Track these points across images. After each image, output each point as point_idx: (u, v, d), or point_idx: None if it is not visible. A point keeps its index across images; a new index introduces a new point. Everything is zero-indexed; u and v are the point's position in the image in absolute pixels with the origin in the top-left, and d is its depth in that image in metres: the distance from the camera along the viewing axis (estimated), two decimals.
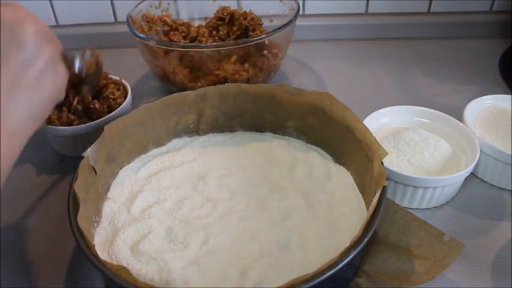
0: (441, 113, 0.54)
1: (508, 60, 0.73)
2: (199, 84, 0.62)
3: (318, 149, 0.52)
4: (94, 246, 0.36)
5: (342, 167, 0.49)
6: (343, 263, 0.34)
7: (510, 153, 0.47)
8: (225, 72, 0.62)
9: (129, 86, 0.58)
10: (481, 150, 0.49)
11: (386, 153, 0.41)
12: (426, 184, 0.46)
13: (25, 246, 0.46)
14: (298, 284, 0.32)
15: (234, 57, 0.61)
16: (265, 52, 0.63)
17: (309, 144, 0.53)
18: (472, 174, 0.52)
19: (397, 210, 0.42)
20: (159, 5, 0.72)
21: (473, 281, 0.41)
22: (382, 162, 0.41)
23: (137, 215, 0.44)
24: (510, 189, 0.50)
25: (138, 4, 0.68)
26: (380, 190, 0.38)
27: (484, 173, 0.51)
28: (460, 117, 0.53)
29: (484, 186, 0.51)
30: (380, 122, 0.54)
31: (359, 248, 0.35)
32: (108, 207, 0.45)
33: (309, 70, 0.75)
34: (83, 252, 0.36)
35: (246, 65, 0.63)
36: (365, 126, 0.44)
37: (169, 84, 0.66)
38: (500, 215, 0.48)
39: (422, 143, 0.49)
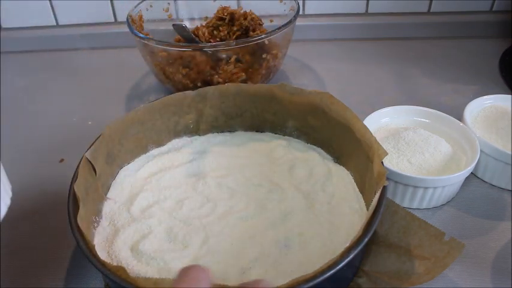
0: (441, 113, 0.54)
1: (508, 60, 0.73)
2: (199, 84, 0.62)
3: (318, 149, 0.52)
4: (94, 246, 0.36)
5: (341, 167, 0.49)
6: (343, 263, 0.33)
7: (510, 153, 0.47)
8: (225, 72, 0.62)
9: None
10: (481, 150, 0.49)
11: (387, 153, 0.41)
12: (426, 184, 0.46)
13: (25, 246, 0.46)
14: (298, 284, 0.32)
15: (233, 57, 0.61)
16: (265, 55, 0.63)
17: (309, 144, 0.53)
18: (472, 174, 0.52)
19: (397, 210, 0.42)
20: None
21: (473, 281, 0.41)
22: (382, 162, 0.41)
23: (137, 215, 0.44)
24: (510, 189, 0.50)
25: (138, 4, 0.68)
26: (380, 190, 0.38)
27: (484, 173, 0.51)
28: (460, 117, 0.53)
29: (484, 186, 0.51)
30: (380, 122, 0.54)
31: (359, 247, 0.35)
32: (108, 208, 0.45)
33: (309, 70, 0.75)
34: (83, 253, 0.36)
35: (246, 65, 0.63)
36: (365, 126, 0.44)
37: (169, 84, 0.66)
38: (500, 215, 0.48)
39: (423, 143, 0.49)
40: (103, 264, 0.34)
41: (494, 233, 0.46)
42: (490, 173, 0.51)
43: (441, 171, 0.48)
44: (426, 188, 0.46)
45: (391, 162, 0.48)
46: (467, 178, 0.49)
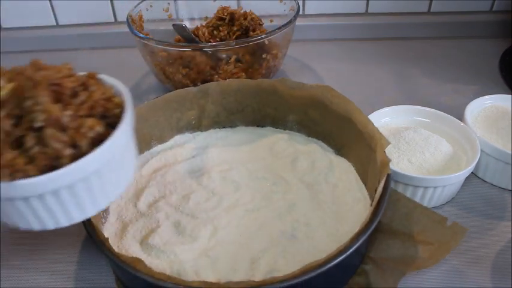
0: (442, 112, 0.54)
1: (508, 60, 0.73)
2: (199, 85, 0.62)
3: (319, 141, 0.53)
4: (108, 239, 0.36)
5: (343, 158, 0.50)
6: (353, 248, 0.34)
7: (511, 153, 0.47)
8: (225, 72, 0.62)
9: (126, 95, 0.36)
10: (481, 150, 0.49)
11: (389, 143, 0.41)
12: (427, 184, 0.46)
13: (28, 246, 0.46)
14: (311, 269, 0.33)
15: (233, 57, 0.61)
16: (265, 55, 0.63)
17: (309, 137, 0.54)
18: (473, 174, 0.52)
19: (400, 198, 0.43)
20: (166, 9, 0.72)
21: (473, 281, 0.41)
22: (385, 151, 0.41)
23: (144, 210, 0.45)
24: (511, 189, 0.50)
25: (138, 4, 0.68)
26: (385, 178, 0.39)
27: (484, 173, 0.51)
28: (460, 117, 0.53)
29: (485, 186, 0.51)
30: (380, 122, 0.54)
31: (368, 232, 0.35)
32: (114, 204, 0.46)
33: (309, 70, 0.75)
34: (97, 246, 0.35)
35: (246, 65, 0.63)
36: (367, 117, 0.45)
37: (169, 84, 0.66)
38: (500, 215, 0.48)
39: (423, 142, 0.49)
40: (118, 256, 0.34)
41: (494, 233, 0.46)
42: (490, 172, 0.51)
43: (441, 171, 0.48)
44: (426, 187, 0.46)
45: (392, 162, 0.48)
46: (467, 178, 0.49)
